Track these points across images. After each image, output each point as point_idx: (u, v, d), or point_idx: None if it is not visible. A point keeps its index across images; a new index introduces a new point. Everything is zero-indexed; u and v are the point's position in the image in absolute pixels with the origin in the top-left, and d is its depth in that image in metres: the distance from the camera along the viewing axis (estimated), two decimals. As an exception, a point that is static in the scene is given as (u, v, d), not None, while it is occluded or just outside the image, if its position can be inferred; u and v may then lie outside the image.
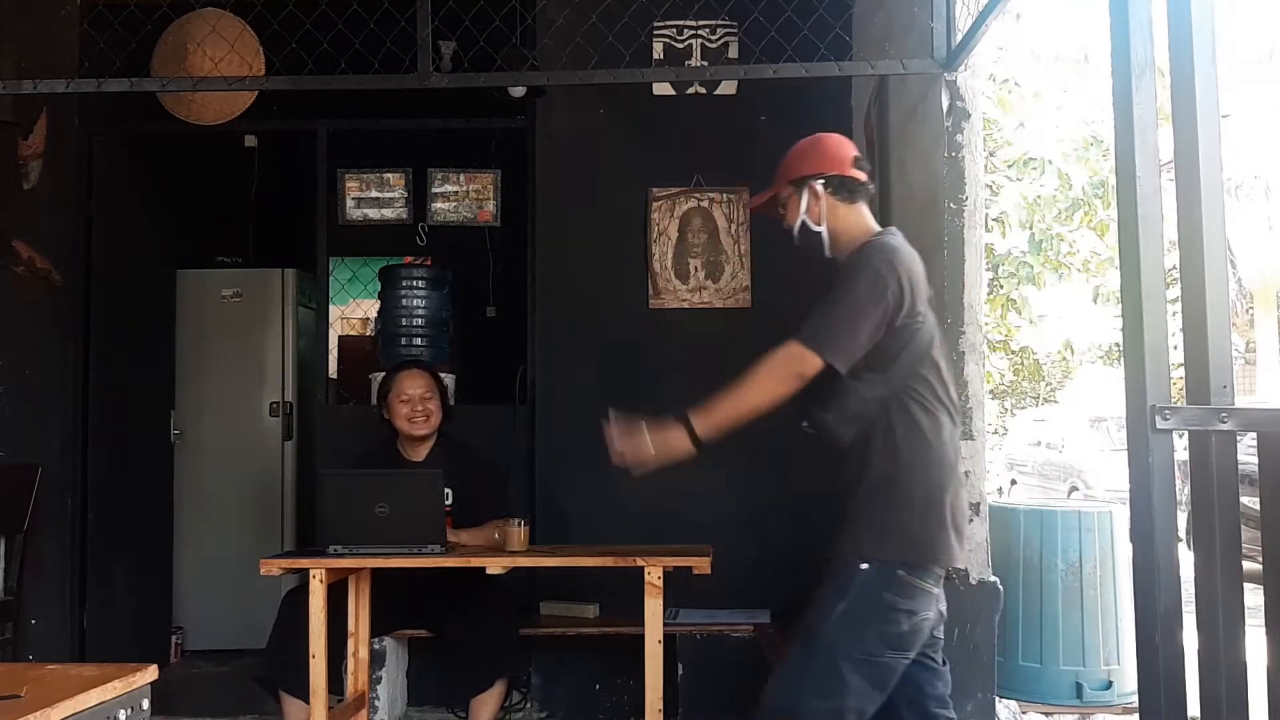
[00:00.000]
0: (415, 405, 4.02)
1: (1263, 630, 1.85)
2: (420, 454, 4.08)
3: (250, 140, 5.87)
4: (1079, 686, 4.47)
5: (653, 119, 4.84)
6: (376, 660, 4.24)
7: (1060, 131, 8.42)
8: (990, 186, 7.85)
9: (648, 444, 2.69)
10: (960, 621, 3.34)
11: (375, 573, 3.84)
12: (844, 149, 2.80)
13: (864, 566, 2.60)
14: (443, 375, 4.28)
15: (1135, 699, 3.72)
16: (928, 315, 2.70)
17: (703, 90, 4.82)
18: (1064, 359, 18.82)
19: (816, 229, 2.81)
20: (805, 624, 2.67)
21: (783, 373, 2.62)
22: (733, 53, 4.76)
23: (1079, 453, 13.72)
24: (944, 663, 2.79)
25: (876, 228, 2.82)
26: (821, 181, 2.76)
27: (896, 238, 2.75)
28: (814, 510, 4.68)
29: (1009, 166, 8.40)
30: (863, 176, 2.79)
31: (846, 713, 2.54)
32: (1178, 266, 1.93)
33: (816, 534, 4.64)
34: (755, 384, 2.65)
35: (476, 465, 4.13)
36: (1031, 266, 8.29)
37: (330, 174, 5.10)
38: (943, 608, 2.71)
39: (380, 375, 4.93)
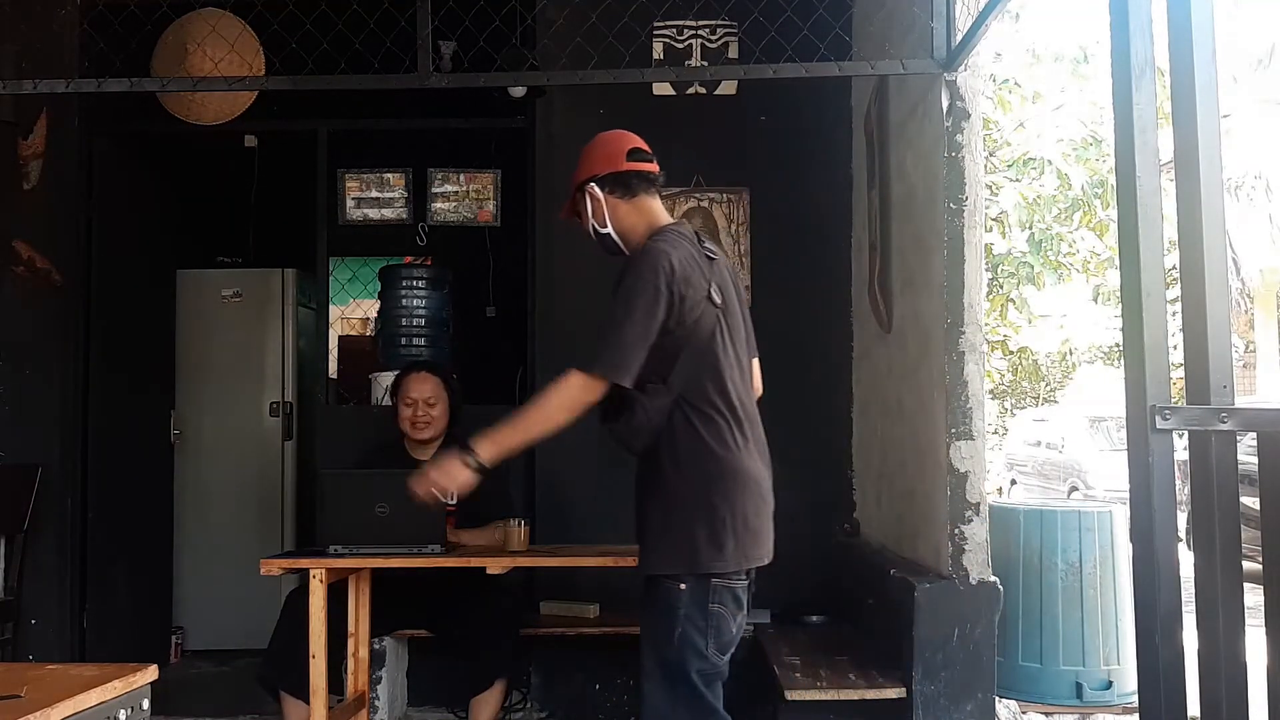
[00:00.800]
0: (418, 410, 4.01)
1: (1263, 630, 1.85)
2: (427, 454, 4.08)
3: (250, 140, 5.86)
4: (1079, 686, 4.47)
5: (653, 119, 4.83)
6: (376, 660, 4.24)
7: (1060, 131, 8.41)
8: (990, 187, 7.85)
9: (438, 476, 2.67)
10: (960, 621, 3.34)
11: (375, 573, 3.84)
12: (615, 145, 2.77)
13: (682, 586, 2.60)
14: (445, 377, 4.27)
15: (1135, 699, 3.72)
16: (705, 312, 2.63)
17: (703, 90, 4.82)
18: (1063, 359, 18.85)
19: (604, 231, 2.79)
20: (648, 656, 2.66)
21: (569, 403, 2.56)
22: (733, 53, 4.76)
23: (1079, 453, 13.72)
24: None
25: (663, 221, 2.76)
26: (596, 183, 2.74)
27: (666, 239, 2.67)
28: (813, 510, 4.70)
29: (1009, 166, 8.40)
30: (642, 166, 2.75)
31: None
32: (1178, 266, 1.93)
33: (816, 534, 4.66)
34: (543, 414, 2.59)
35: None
36: (1031, 266, 8.29)
37: (330, 174, 5.10)
38: (748, 602, 2.77)
39: (380, 375, 4.95)
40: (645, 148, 2.80)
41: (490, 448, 2.64)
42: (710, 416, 2.61)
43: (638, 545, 2.72)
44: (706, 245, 2.74)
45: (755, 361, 2.89)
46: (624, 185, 2.74)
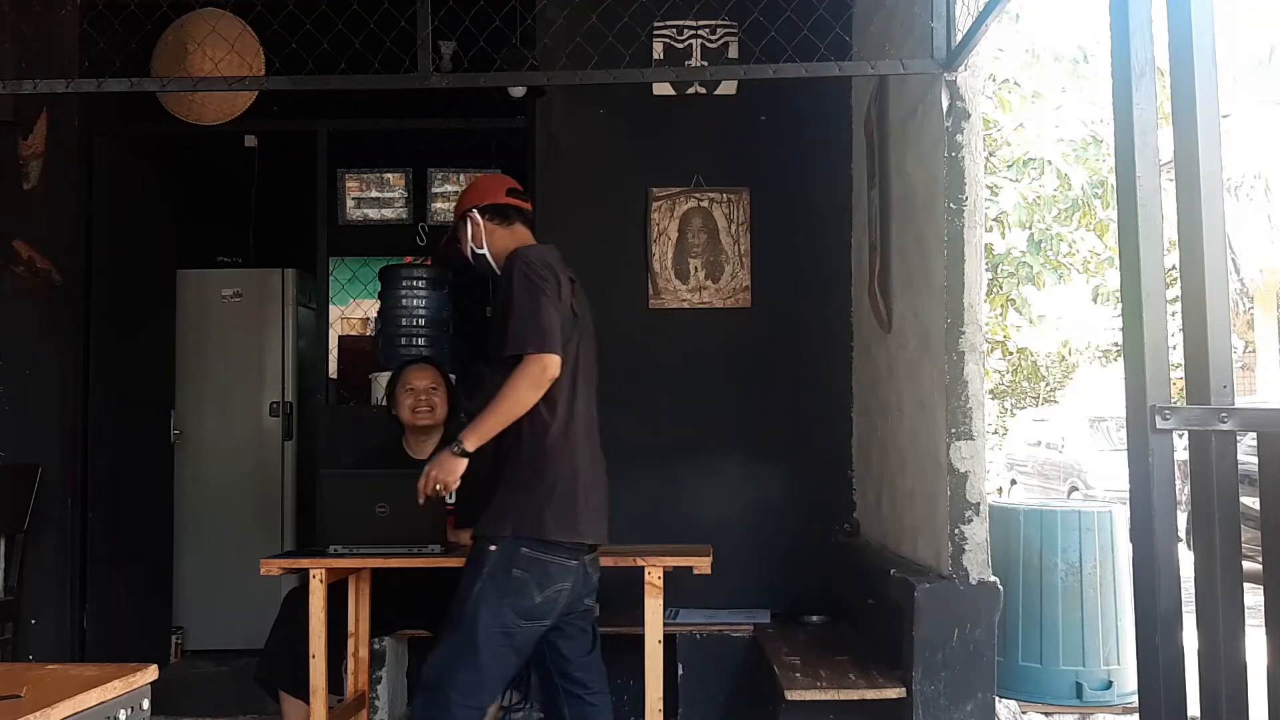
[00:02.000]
0: (420, 396, 4.02)
1: (1263, 630, 1.85)
2: (426, 451, 4.08)
3: (250, 140, 5.87)
4: (1079, 686, 4.47)
5: (653, 119, 4.84)
6: (376, 660, 4.24)
7: (1060, 131, 8.41)
8: (990, 187, 7.85)
9: (439, 473, 3.02)
10: (960, 621, 3.34)
11: (375, 573, 3.84)
12: (496, 182, 3.25)
13: (492, 548, 2.92)
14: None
15: (1135, 699, 3.72)
16: (569, 321, 3.01)
17: (703, 90, 4.82)
18: (1063, 359, 18.85)
19: (480, 252, 3.18)
20: (453, 607, 2.96)
21: (537, 382, 2.89)
22: (733, 53, 4.76)
23: (1079, 453, 13.72)
24: (594, 634, 3.20)
25: (530, 244, 3.17)
26: (478, 211, 3.15)
27: (534, 248, 3.10)
28: (813, 510, 4.71)
29: (1009, 166, 8.40)
30: (518, 202, 3.20)
31: (487, 681, 2.93)
32: (1178, 266, 1.93)
33: (816, 534, 4.66)
34: (515, 397, 2.90)
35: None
36: (1031, 267, 8.29)
37: (330, 174, 5.10)
38: (595, 580, 3.14)
39: (380, 375, 4.95)
40: (520, 189, 3.26)
41: (474, 436, 2.96)
42: (555, 403, 2.95)
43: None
44: (570, 272, 3.13)
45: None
46: (502, 214, 3.17)
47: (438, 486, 3.02)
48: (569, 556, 2.98)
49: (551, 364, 2.89)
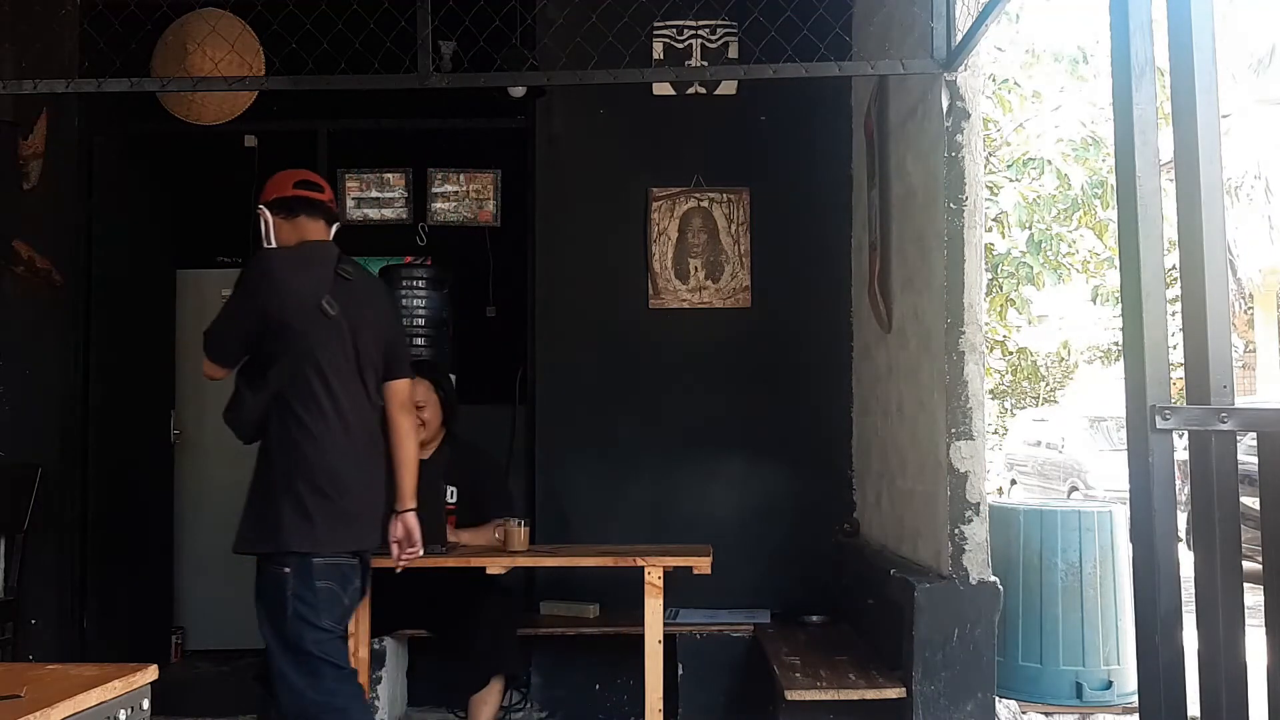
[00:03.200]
0: None
1: (1263, 630, 1.85)
2: (426, 453, 4.09)
3: (250, 140, 5.86)
4: (1079, 686, 4.47)
5: (653, 119, 4.84)
6: (376, 660, 4.24)
7: (1060, 131, 8.41)
8: (990, 187, 7.85)
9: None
10: (960, 621, 3.34)
11: (375, 572, 3.83)
12: (286, 177, 3.22)
13: (287, 570, 2.94)
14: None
15: (1135, 699, 3.72)
16: (313, 321, 2.99)
17: (703, 90, 4.82)
18: (1062, 359, 18.84)
19: (270, 247, 3.19)
20: (270, 636, 2.98)
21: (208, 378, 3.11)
22: (733, 53, 4.76)
23: (1079, 453, 13.71)
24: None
25: (313, 239, 3.17)
26: (266, 206, 3.17)
27: (280, 250, 3.12)
28: (813, 510, 4.70)
29: (1009, 166, 8.40)
30: (308, 194, 3.18)
31: (337, 694, 2.97)
32: (1178, 266, 1.92)
33: (816, 534, 4.66)
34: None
35: (481, 463, 4.14)
36: (1031, 267, 8.29)
37: (330, 174, 5.10)
38: (368, 578, 3.19)
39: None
40: (317, 181, 3.24)
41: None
42: (307, 412, 2.98)
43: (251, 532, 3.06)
44: (343, 267, 3.11)
45: (399, 382, 3.26)
46: (287, 208, 3.16)
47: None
48: (350, 558, 3.07)
49: (208, 368, 3.11)
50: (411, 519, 3.30)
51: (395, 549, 3.31)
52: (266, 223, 3.16)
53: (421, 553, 3.36)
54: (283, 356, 2.98)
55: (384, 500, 3.20)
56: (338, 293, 3.04)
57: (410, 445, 3.28)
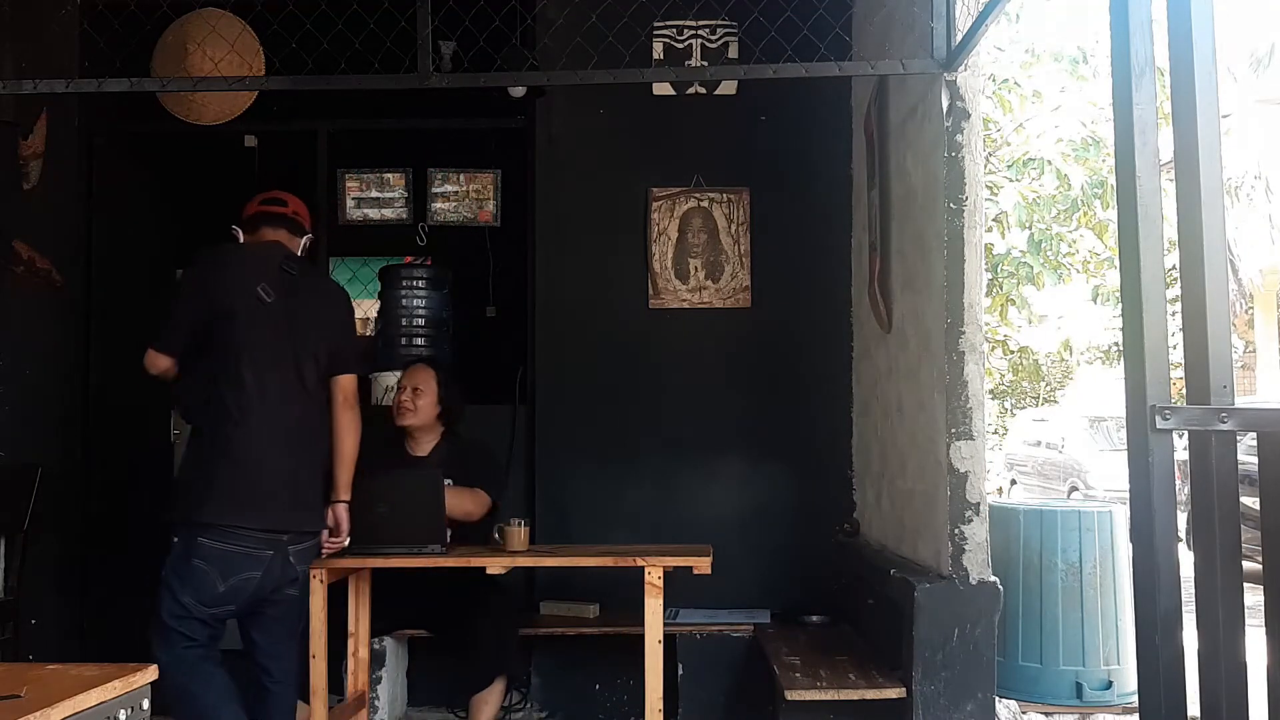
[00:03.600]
0: (404, 395, 4.06)
1: (1263, 630, 1.85)
2: (424, 449, 4.11)
3: (250, 140, 5.85)
4: (1079, 686, 4.47)
5: (653, 119, 4.84)
6: (376, 660, 4.24)
7: (1060, 131, 8.41)
8: (990, 187, 7.85)
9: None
10: (960, 621, 3.34)
11: (375, 572, 3.84)
12: (256, 199, 3.52)
13: (175, 539, 3.15)
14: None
15: (1135, 699, 3.72)
16: (245, 312, 3.18)
17: (703, 90, 4.82)
18: (1063, 359, 18.84)
19: None
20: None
21: (149, 371, 3.26)
22: (733, 53, 4.76)
23: (1079, 453, 13.71)
24: (291, 626, 3.31)
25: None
26: (238, 225, 3.46)
27: (213, 253, 3.37)
28: (813, 510, 4.70)
29: (1009, 166, 8.40)
30: (268, 208, 3.46)
31: (181, 660, 3.06)
32: (1178, 266, 1.92)
33: (816, 534, 4.66)
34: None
35: (476, 455, 4.14)
36: (1031, 267, 8.29)
37: (330, 174, 5.10)
38: (298, 572, 3.23)
39: (380, 375, 4.96)
40: (282, 197, 3.51)
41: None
42: (230, 394, 3.14)
43: None
44: (290, 264, 3.33)
45: (344, 377, 3.39)
46: (251, 224, 3.45)
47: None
48: (258, 546, 3.12)
49: (149, 357, 3.24)
50: (341, 510, 3.39)
51: (324, 535, 3.38)
52: (238, 236, 3.45)
53: (345, 544, 3.42)
54: (216, 340, 3.17)
55: (315, 488, 3.30)
56: (278, 284, 3.25)
57: (349, 440, 3.37)
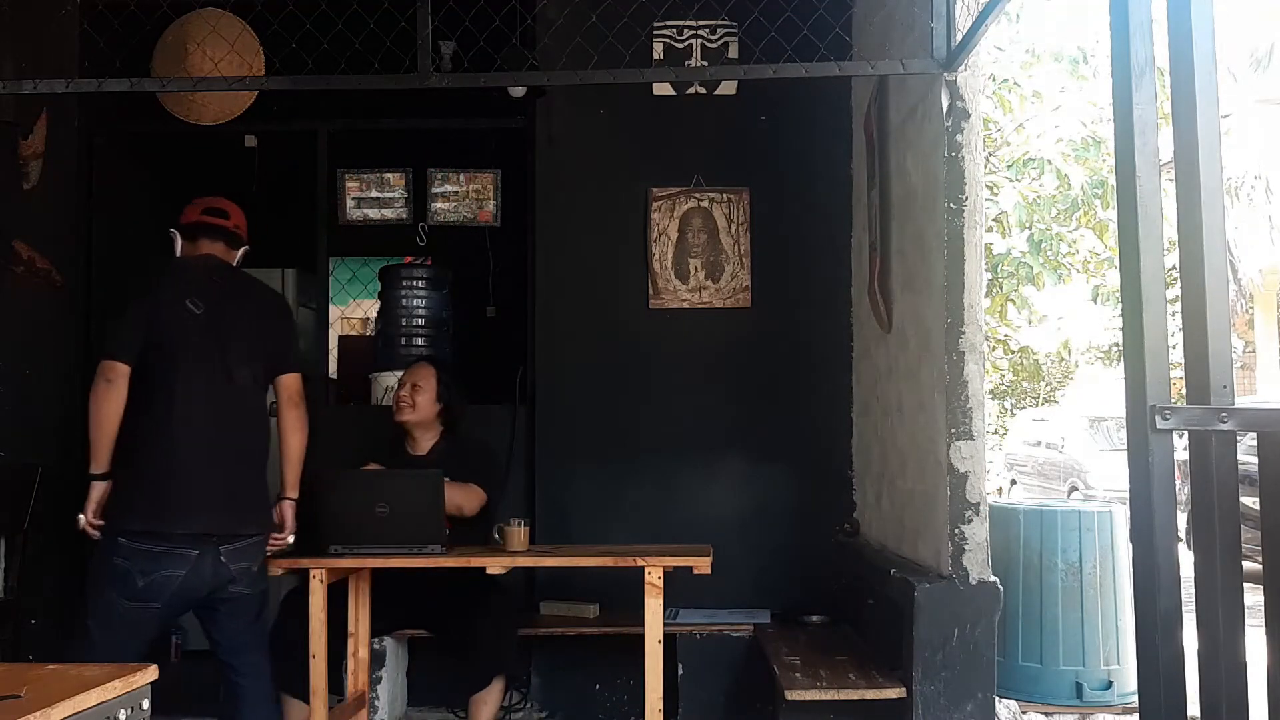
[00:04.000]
0: (403, 391, 4.07)
1: (1263, 630, 1.85)
2: (423, 448, 4.11)
3: (250, 140, 5.85)
4: (1079, 686, 4.47)
5: (653, 119, 4.84)
6: (376, 660, 4.24)
7: (1060, 131, 8.41)
8: (990, 187, 7.85)
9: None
10: (960, 621, 3.34)
11: (375, 572, 3.84)
12: (198, 204, 3.55)
13: (102, 538, 3.18)
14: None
15: (1135, 699, 3.72)
16: (177, 320, 3.28)
17: (703, 90, 4.82)
18: (1063, 359, 18.85)
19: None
20: None
21: (100, 382, 3.19)
22: (733, 53, 4.76)
23: (1079, 453, 13.71)
24: (248, 621, 3.35)
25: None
26: (176, 229, 3.52)
27: (173, 262, 3.49)
28: (813, 510, 4.70)
29: (1009, 167, 8.40)
30: (209, 219, 3.50)
31: (93, 647, 3.09)
32: (1178, 266, 1.92)
33: (816, 534, 4.66)
34: (92, 397, 3.19)
35: (475, 452, 4.13)
36: (1031, 267, 8.29)
37: (330, 174, 5.10)
38: (236, 570, 3.24)
39: (380, 375, 4.97)
40: (223, 208, 3.53)
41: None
42: (156, 400, 3.19)
43: None
44: (218, 275, 3.42)
45: (286, 377, 3.44)
46: (190, 232, 3.50)
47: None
48: (182, 545, 3.15)
49: (104, 366, 3.19)
50: (287, 507, 3.43)
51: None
52: (175, 243, 3.50)
53: (290, 541, 3.46)
54: (146, 357, 3.23)
55: (252, 490, 3.33)
56: (206, 295, 3.34)
57: (295, 439, 3.42)
